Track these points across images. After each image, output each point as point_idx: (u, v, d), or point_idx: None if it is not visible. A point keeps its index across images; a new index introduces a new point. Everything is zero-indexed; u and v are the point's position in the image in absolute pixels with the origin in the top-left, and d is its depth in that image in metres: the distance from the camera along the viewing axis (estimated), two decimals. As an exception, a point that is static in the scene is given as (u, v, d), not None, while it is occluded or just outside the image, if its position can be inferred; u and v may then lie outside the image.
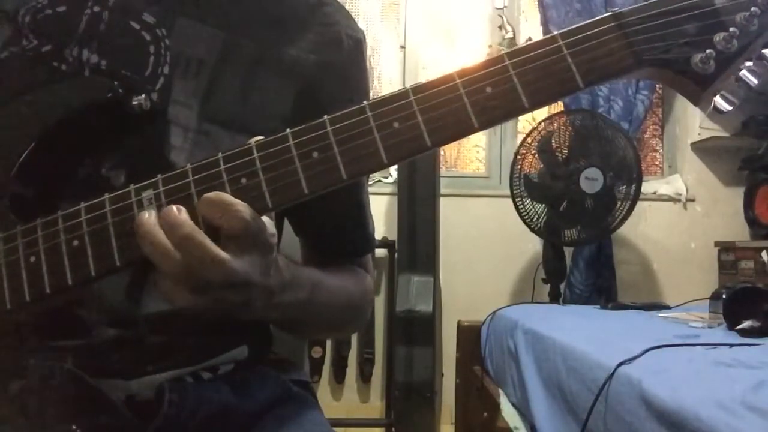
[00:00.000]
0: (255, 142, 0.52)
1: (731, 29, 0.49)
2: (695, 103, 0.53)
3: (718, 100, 0.52)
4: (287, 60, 0.71)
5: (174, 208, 0.50)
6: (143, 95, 0.61)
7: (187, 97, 0.67)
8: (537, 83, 0.50)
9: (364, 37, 0.79)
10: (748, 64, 0.51)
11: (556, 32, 0.51)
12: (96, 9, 0.66)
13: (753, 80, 0.51)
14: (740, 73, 0.51)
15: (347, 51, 0.75)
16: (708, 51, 0.50)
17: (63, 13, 0.66)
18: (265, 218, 0.52)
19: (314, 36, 0.73)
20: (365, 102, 0.51)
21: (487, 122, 0.50)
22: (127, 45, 0.66)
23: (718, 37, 0.49)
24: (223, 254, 0.49)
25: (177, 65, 0.67)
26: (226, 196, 0.50)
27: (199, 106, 0.67)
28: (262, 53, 0.70)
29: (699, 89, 0.51)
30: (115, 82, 0.61)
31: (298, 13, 0.74)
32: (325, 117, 0.52)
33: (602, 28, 0.50)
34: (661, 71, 0.51)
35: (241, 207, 0.50)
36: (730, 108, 0.52)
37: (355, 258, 0.81)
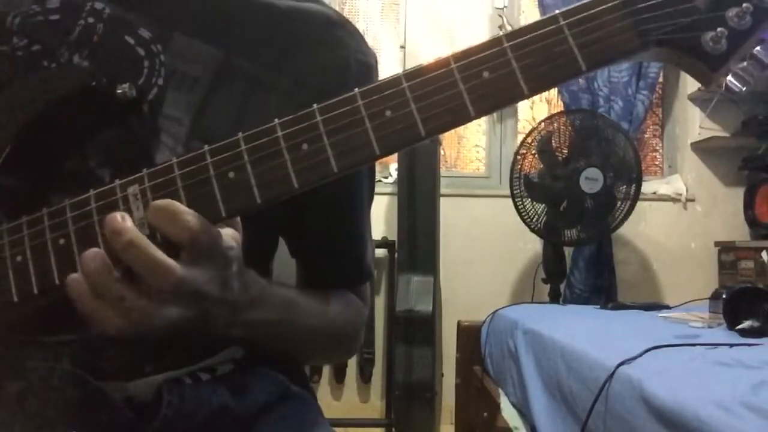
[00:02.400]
0: (242, 134, 0.51)
1: (744, 4, 0.46)
2: (705, 85, 0.49)
3: (731, 80, 0.49)
4: (288, 83, 0.68)
5: (118, 215, 0.49)
6: (128, 83, 0.60)
7: (179, 111, 0.65)
8: (537, 67, 0.47)
9: (377, 61, 0.75)
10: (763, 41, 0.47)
11: (557, 11, 0.47)
12: (90, 20, 0.65)
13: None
14: (754, 51, 0.47)
15: (354, 77, 0.70)
16: (719, 29, 0.46)
17: (55, 20, 0.65)
18: (226, 230, 0.51)
19: (320, 60, 0.70)
20: (356, 90, 0.49)
21: (484, 110, 0.48)
22: (120, 58, 0.65)
23: (731, 12, 0.46)
24: (171, 261, 0.48)
25: (171, 80, 0.65)
26: (177, 204, 0.49)
27: (191, 122, 0.65)
28: (261, 75, 0.67)
29: (709, 70, 0.47)
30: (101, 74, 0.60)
31: (305, 35, 0.70)
32: (315, 106, 0.50)
33: (606, 6, 0.47)
34: (669, 51, 0.47)
35: (190, 216, 0.49)
36: (743, 88, 0.48)
37: (349, 287, 0.78)
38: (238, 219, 0.54)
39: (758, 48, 0.47)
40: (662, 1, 0.46)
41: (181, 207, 0.49)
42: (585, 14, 0.47)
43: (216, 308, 0.53)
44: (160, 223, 0.49)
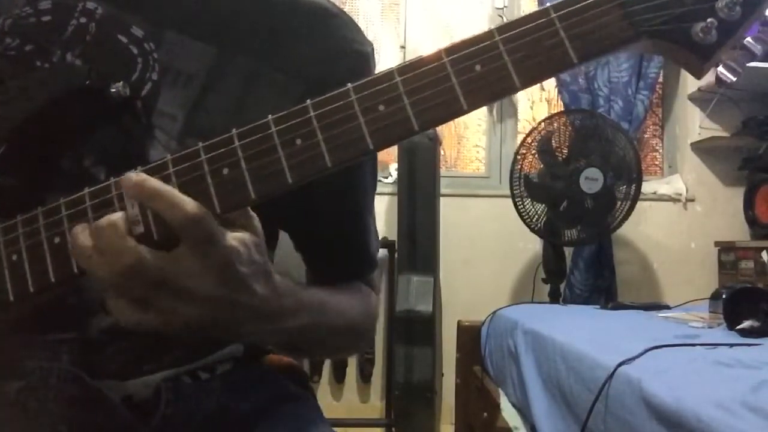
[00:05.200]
0: (236, 130, 0.50)
1: None
2: (696, 76, 0.50)
3: (722, 71, 0.49)
4: (284, 75, 0.68)
5: (132, 173, 0.49)
6: (121, 82, 0.60)
7: (173, 108, 0.65)
8: (529, 60, 0.47)
9: (373, 49, 0.75)
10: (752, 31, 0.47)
11: (548, 3, 0.48)
12: (83, 20, 0.65)
13: (758, 47, 0.48)
14: (744, 41, 0.48)
15: (351, 66, 0.70)
16: (709, 20, 0.46)
17: (48, 21, 0.65)
18: (237, 234, 0.51)
19: (316, 51, 0.70)
20: (349, 85, 0.49)
21: (476, 103, 0.48)
22: (113, 56, 0.65)
23: (720, 3, 0.46)
24: (134, 242, 0.47)
25: (165, 78, 0.65)
26: (171, 190, 0.48)
27: (185, 119, 0.65)
28: (257, 69, 0.67)
29: (700, 61, 0.48)
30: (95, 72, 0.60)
31: (300, 25, 0.70)
32: (308, 101, 0.50)
33: None
34: (660, 43, 0.48)
35: (189, 201, 0.48)
36: (734, 78, 0.49)
37: (358, 278, 0.78)
38: (257, 223, 0.53)
39: (748, 38, 0.48)
40: None
41: (176, 192, 0.48)
42: (576, 7, 0.47)
43: (237, 313, 0.52)
44: (158, 207, 0.48)
